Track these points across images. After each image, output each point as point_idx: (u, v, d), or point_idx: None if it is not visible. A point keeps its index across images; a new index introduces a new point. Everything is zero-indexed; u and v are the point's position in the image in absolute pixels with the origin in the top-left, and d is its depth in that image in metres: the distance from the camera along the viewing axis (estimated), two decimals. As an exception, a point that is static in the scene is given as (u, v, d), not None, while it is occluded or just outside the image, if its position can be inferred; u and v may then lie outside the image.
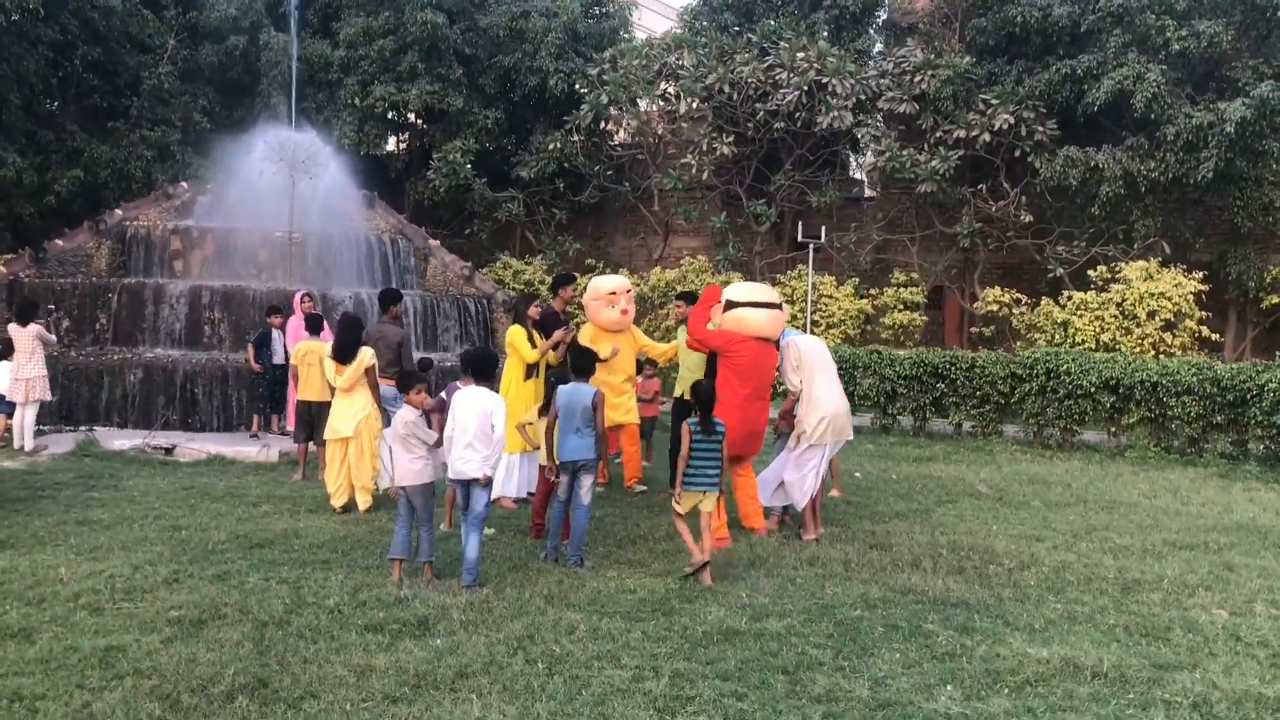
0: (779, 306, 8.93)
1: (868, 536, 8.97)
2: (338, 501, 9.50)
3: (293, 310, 13.74)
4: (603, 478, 7.94)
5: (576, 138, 23.46)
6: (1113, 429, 14.62)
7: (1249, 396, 13.29)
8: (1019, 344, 19.03)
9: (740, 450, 8.78)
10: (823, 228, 20.42)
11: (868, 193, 24.06)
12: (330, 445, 9.66)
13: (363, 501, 9.56)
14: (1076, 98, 19.45)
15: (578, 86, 23.93)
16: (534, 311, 10.33)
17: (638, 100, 22.74)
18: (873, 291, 20.90)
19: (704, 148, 21.58)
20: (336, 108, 24.15)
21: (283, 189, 16.91)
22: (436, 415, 8.12)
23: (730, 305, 8.90)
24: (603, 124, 23.91)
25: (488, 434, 7.55)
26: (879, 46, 23.68)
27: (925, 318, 20.99)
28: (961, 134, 19.90)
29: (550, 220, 24.66)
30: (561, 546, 7.97)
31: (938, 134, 20.30)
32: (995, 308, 19.43)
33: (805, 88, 20.67)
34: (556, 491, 8.08)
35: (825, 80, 20.59)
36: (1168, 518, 10.06)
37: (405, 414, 7.48)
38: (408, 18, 23.21)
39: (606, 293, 10.70)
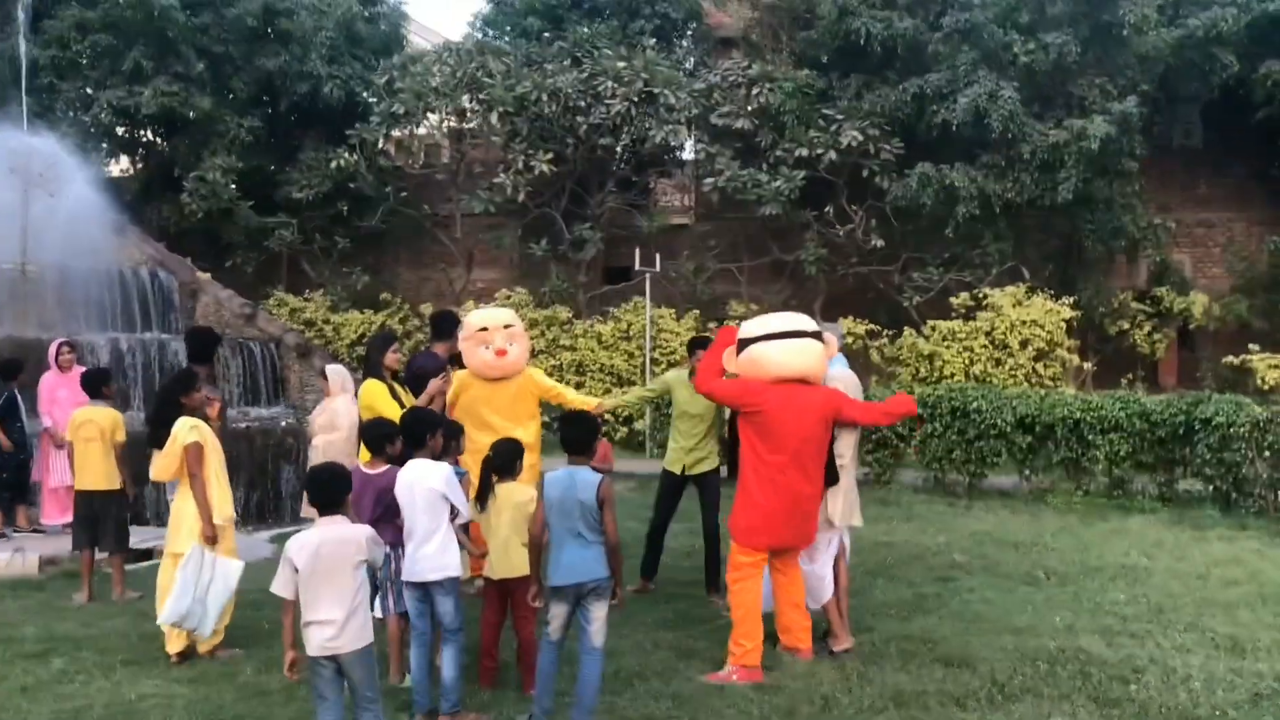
0: (815, 335, 6.61)
1: (907, 643, 6.77)
2: (174, 646, 6.44)
3: (47, 364, 10.37)
4: (617, 600, 5.36)
5: (361, 154, 20.38)
6: (1027, 472, 13.16)
7: (1182, 432, 12.08)
8: (874, 379, 17.51)
9: (782, 540, 6.42)
10: (656, 255, 18.31)
11: (683, 220, 22.18)
12: (165, 559, 6.65)
13: (204, 644, 6.57)
14: (919, 115, 18.27)
15: (363, 95, 20.94)
16: (392, 359, 7.64)
17: (436, 111, 20.04)
18: (711, 325, 18.94)
19: (520, 165, 19.07)
20: (54, 119, 20.11)
21: (10, 209, 13.27)
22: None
23: (744, 344, 6.53)
24: (394, 138, 20.99)
25: (443, 517, 5.53)
26: (691, 61, 21.96)
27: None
28: (804, 152, 18.29)
29: (331, 249, 21.44)
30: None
31: (777, 152, 18.63)
32: (850, 340, 17.85)
33: (634, 99, 18.59)
34: (546, 629, 5.44)
35: (656, 91, 18.57)
36: (1211, 586, 8.40)
37: (323, 534, 4.69)
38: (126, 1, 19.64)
39: (475, 329, 7.94)
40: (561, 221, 20.01)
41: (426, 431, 5.73)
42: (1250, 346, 15.95)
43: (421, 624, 5.62)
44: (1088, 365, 17.14)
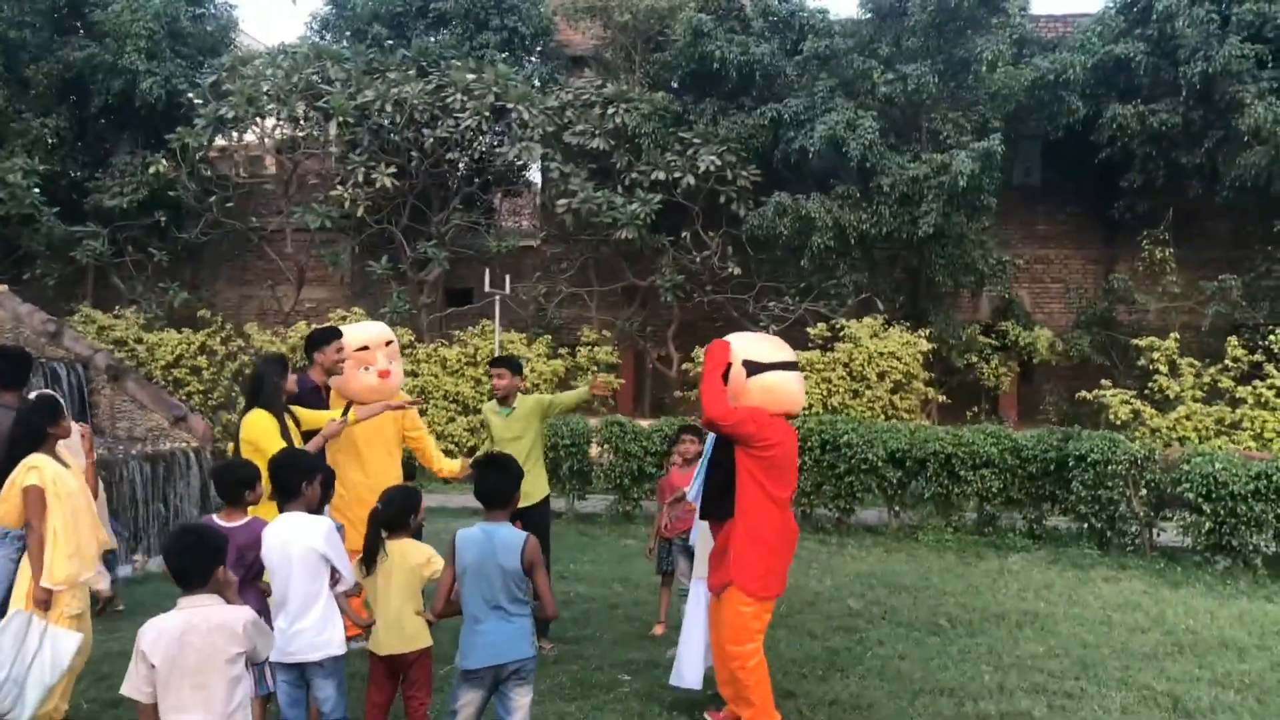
0: (797, 365, 5.92)
1: (839, 711, 6.12)
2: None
3: None
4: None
5: (182, 160, 18.78)
6: (896, 508, 12.80)
7: (1053, 469, 11.92)
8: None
9: (784, 586, 5.71)
10: (506, 277, 17.43)
11: (529, 242, 21.30)
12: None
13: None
14: (775, 143, 17.96)
15: (186, 96, 19.35)
16: (293, 384, 6.54)
17: (268, 118, 18.65)
18: (563, 351, 18.14)
19: (359, 178, 17.88)
20: None
21: None
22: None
23: (754, 369, 5.67)
24: (220, 145, 19.44)
25: (323, 582, 4.54)
26: (539, 79, 21.17)
27: (623, 380, 18.54)
28: (661, 176, 17.74)
29: (146, 263, 19.70)
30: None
31: (633, 175, 18.01)
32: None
33: (484, 114, 17.67)
34: (453, 704, 4.53)
35: (509, 107, 17.71)
36: (1121, 634, 8.05)
37: (188, 619, 3.69)
38: None
39: (356, 348, 6.97)
40: (402, 239, 18.88)
41: (302, 478, 4.74)
42: (1103, 382, 16.11)
43: (294, 713, 4.62)
44: (940, 398, 17.04)
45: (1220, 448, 13.37)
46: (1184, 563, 10.75)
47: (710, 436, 6.02)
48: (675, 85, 19.10)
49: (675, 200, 17.94)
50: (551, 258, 19.98)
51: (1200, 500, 10.46)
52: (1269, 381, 14.79)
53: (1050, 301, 20.99)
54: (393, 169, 18.06)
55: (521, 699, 4.42)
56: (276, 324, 19.65)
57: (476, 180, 19.64)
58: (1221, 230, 19.10)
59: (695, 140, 17.80)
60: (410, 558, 5.00)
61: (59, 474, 5.45)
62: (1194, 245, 19.02)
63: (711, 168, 17.43)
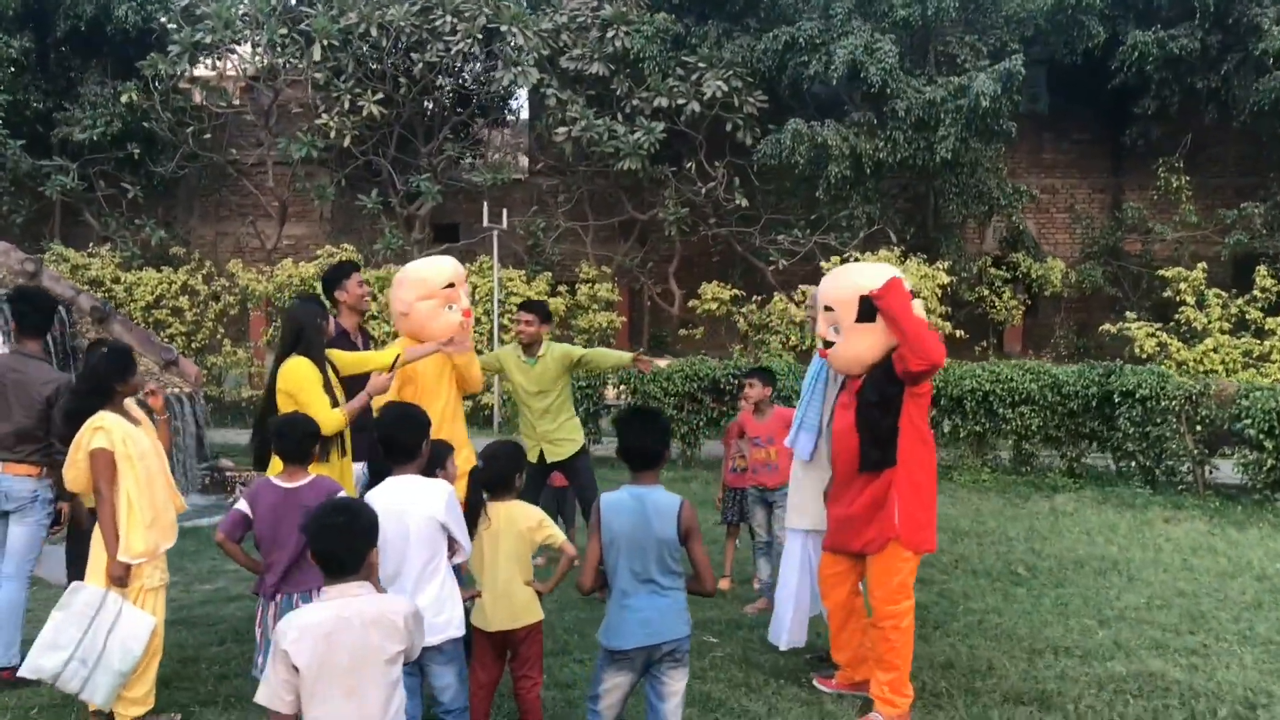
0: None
1: (956, 675, 5.61)
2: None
3: None
4: None
5: (156, 90, 17.76)
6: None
7: (1095, 405, 11.47)
8: (739, 348, 16.48)
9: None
10: (504, 211, 16.65)
11: (517, 175, 20.48)
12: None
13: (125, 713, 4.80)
14: (781, 68, 17.19)
15: (160, 21, 18.25)
16: (331, 329, 5.79)
17: (246, 43, 17.65)
18: (561, 288, 17.45)
19: (345, 106, 16.97)
20: None
21: None
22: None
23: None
24: (195, 72, 18.39)
25: (442, 555, 3.93)
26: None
27: (625, 319, 17.91)
28: (663, 103, 16.96)
29: (119, 198, 18.72)
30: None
31: (634, 102, 17.22)
32: (714, 306, 16.70)
33: (476, 36, 16.77)
34: (593, 707, 3.94)
35: (502, 29, 16.80)
36: (1211, 579, 7.59)
37: (337, 612, 3.07)
38: None
39: (442, 285, 6.09)
40: (391, 171, 18.02)
41: (420, 437, 4.10)
42: (1128, 314, 15.68)
43: (411, 706, 4.01)
44: (958, 332, 16.55)
45: (1248, 380, 13.02)
46: (1242, 502, 10.35)
47: (838, 379, 5.45)
48: (677, 4, 18.23)
49: (678, 129, 17.19)
50: (548, 190, 19.17)
51: (1262, 437, 10.04)
52: (1299, 312, 14.42)
53: (1056, 232, 20.51)
54: (379, 96, 17.15)
55: (676, 683, 3.85)
56: (258, 261, 18.80)
57: (462, 110, 18.80)
58: (1235, 157, 18.64)
59: (700, 65, 17.00)
60: (519, 521, 4.39)
61: (130, 433, 4.77)
62: (1208, 173, 18.58)
63: (718, 94, 16.67)
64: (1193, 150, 18.22)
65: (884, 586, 5.05)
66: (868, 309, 5.01)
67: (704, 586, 3.81)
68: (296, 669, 2.89)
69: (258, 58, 17.82)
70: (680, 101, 16.86)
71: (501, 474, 4.41)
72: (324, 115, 17.18)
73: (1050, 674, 5.62)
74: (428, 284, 6.07)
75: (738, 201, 17.37)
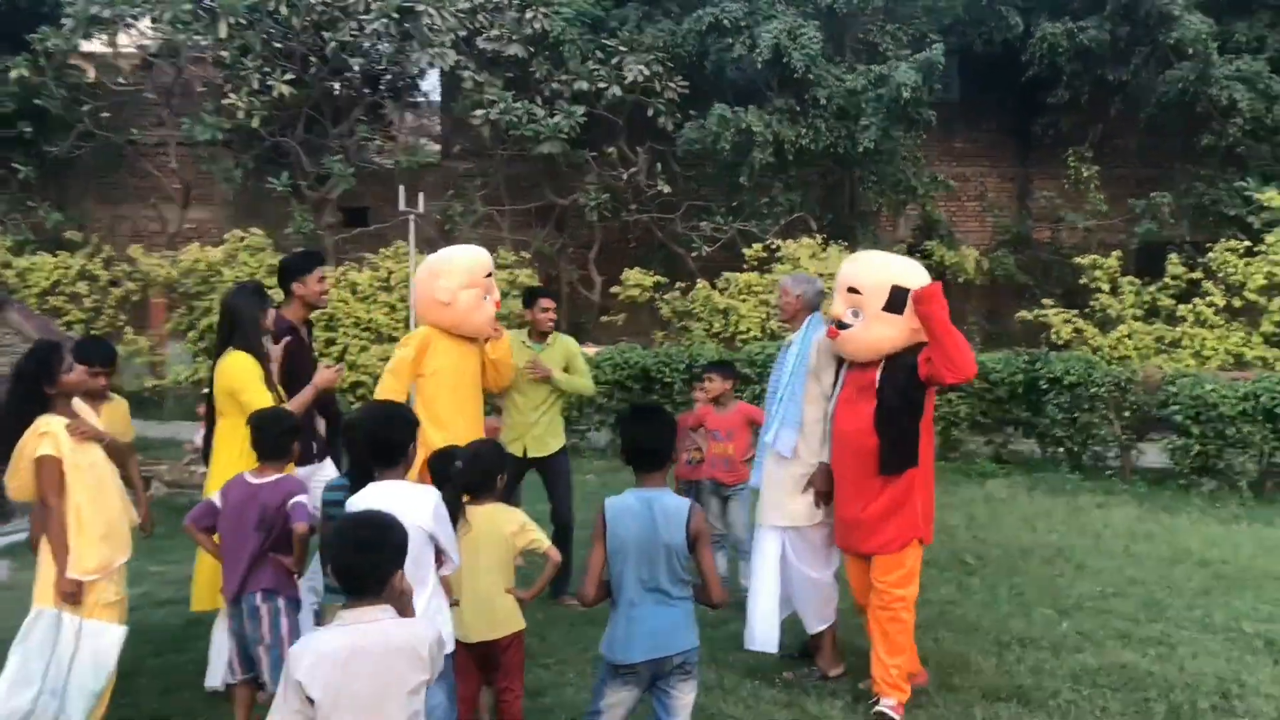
0: None
1: (932, 669, 5.54)
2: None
3: None
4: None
5: (48, 65, 16.88)
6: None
7: (1022, 391, 11.60)
8: (660, 334, 16.34)
9: None
10: (420, 195, 16.18)
11: (431, 159, 19.99)
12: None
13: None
14: (703, 53, 17.04)
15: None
16: (268, 321, 5.46)
17: (146, 18, 16.87)
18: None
19: (255, 85, 16.34)
20: None
21: None
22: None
23: (904, 293, 5.06)
24: (90, 46, 17.53)
25: (429, 566, 3.69)
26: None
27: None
28: (584, 86, 16.68)
29: (10, 179, 17.77)
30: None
31: (553, 85, 16.91)
32: (636, 293, 16.50)
33: (392, 15, 16.28)
34: (598, 703, 3.74)
35: (419, 9, 16.33)
36: (1156, 567, 7.67)
37: (355, 637, 2.82)
38: None
39: (484, 274, 5.94)
40: (302, 153, 17.43)
41: (408, 439, 3.83)
42: (1044, 301, 15.92)
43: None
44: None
45: (1160, 366, 13.33)
46: (1169, 486, 10.56)
47: (840, 371, 5.36)
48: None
49: (598, 113, 16.94)
50: (463, 174, 18.74)
51: (1189, 422, 10.24)
52: (1208, 299, 14.76)
53: (967, 220, 20.75)
54: (290, 76, 16.55)
55: (685, 696, 3.67)
56: (158, 245, 18.03)
57: (372, 91, 18.28)
58: (1142, 148, 19.04)
59: (620, 48, 16.76)
60: (501, 526, 4.17)
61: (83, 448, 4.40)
62: (1115, 163, 18.97)
63: (639, 77, 16.46)
64: (1101, 140, 18.58)
65: (895, 572, 5.06)
66: (898, 300, 4.93)
67: (711, 597, 3.62)
68: (312, 700, 2.63)
69: (159, 33, 17.04)
70: (601, 85, 16.61)
71: (483, 475, 4.18)
72: (231, 95, 16.51)
73: (1023, 668, 5.59)
74: (472, 272, 5.88)
75: (660, 187, 17.20)
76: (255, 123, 16.48)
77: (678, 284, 16.33)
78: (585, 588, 3.62)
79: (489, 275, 5.93)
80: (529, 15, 16.67)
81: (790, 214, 16.91)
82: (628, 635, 3.56)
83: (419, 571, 3.69)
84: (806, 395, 5.39)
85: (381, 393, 5.64)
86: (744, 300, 15.60)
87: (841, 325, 5.12)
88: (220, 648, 5.03)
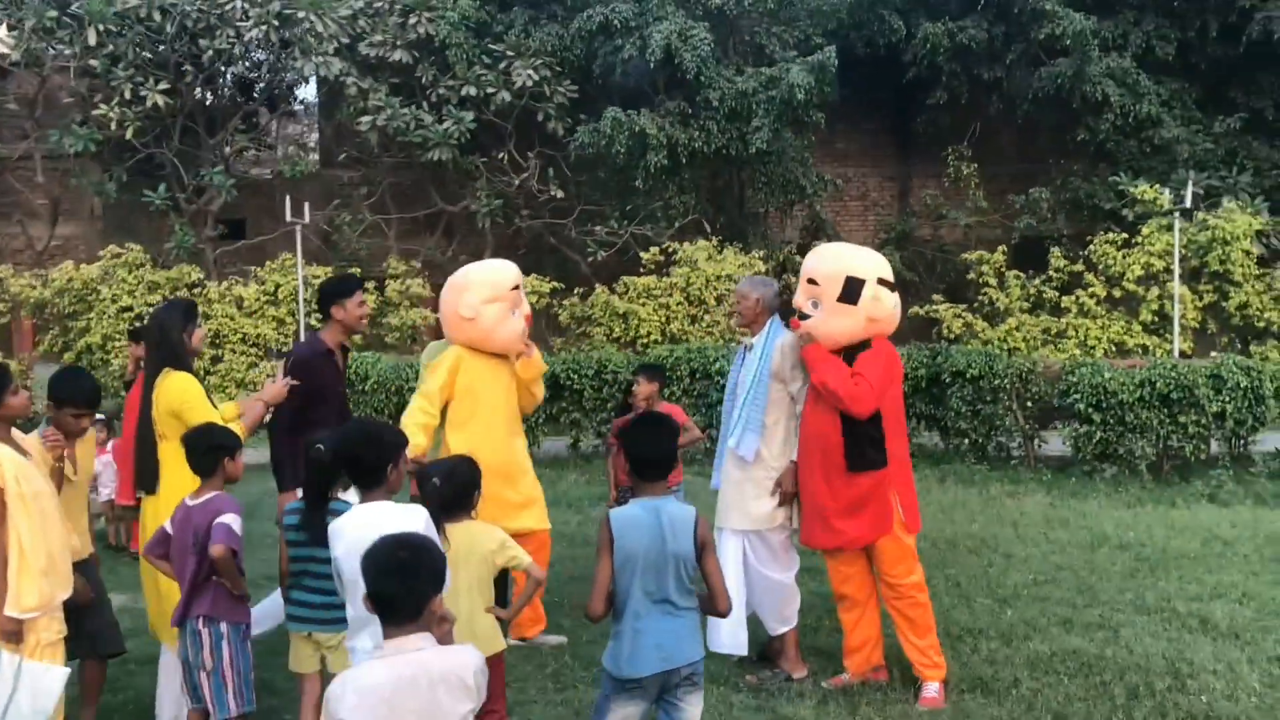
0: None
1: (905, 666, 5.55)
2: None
3: None
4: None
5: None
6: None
7: (924, 385, 11.81)
8: (558, 340, 16.20)
9: None
10: (306, 206, 15.76)
11: (311, 167, 19.47)
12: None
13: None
14: (590, 56, 16.97)
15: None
16: (199, 339, 5.18)
17: (1, 25, 16.03)
18: (369, 284, 16.64)
19: (127, 95, 15.67)
20: None
21: None
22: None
23: (857, 281, 5.14)
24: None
25: None
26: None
27: (437, 315, 17.25)
28: (472, 91, 16.45)
29: None
30: None
31: (440, 90, 16.63)
32: (534, 299, 16.28)
33: (272, 23, 15.79)
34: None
35: (300, 15, 15.87)
36: (1078, 552, 7.86)
37: (399, 669, 2.67)
38: None
39: (509, 287, 5.82)
40: (179, 165, 16.79)
41: (388, 458, 3.65)
42: (934, 297, 16.29)
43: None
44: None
45: (1047, 357, 13.77)
46: (1073, 473, 10.85)
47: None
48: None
49: (487, 119, 16.73)
50: (349, 183, 18.30)
51: (1090, 410, 10.55)
52: (1090, 290, 15.28)
53: (849, 220, 21.12)
54: (164, 85, 15.93)
55: (693, 708, 3.57)
56: (24, 264, 17.16)
57: (248, 100, 17.75)
58: (1018, 145, 19.64)
59: (508, 53, 16.58)
60: (481, 544, 4.02)
61: (21, 468, 4.05)
62: (993, 161, 19.52)
63: (528, 82, 16.31)
64: (980, 139, 19.10)
65: (901, 563, 5.19)
66: (853, 290, 5.03)
67: (718, 606, 3.53)
68: (359, 740, 2.46)
69: (20, 42, 16.21)
70: (489, 90, 16.42)
71: (459, 492, 4.02)
72: (102, 105, 15.80)
73: (978, 659, 5.64)
74: (496, 286, 5.76)
75: (552, 192, 17.07)
76: (129, 134, 15.80)
77: (576, 290, 16.21)
78: (593, 602, 3.48)
79: (515, 288, 5.82)
80: (412, 20, 16.38)
81: (685, 216, 16.96)
82: (634, 649, 3.45)
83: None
84: (769, 398, 5.34)
85: (410, 416, 5.53)
86: (643, 304, 15.57)
87: (803, 316, 5.17)
88: (166, 687, 4.77)
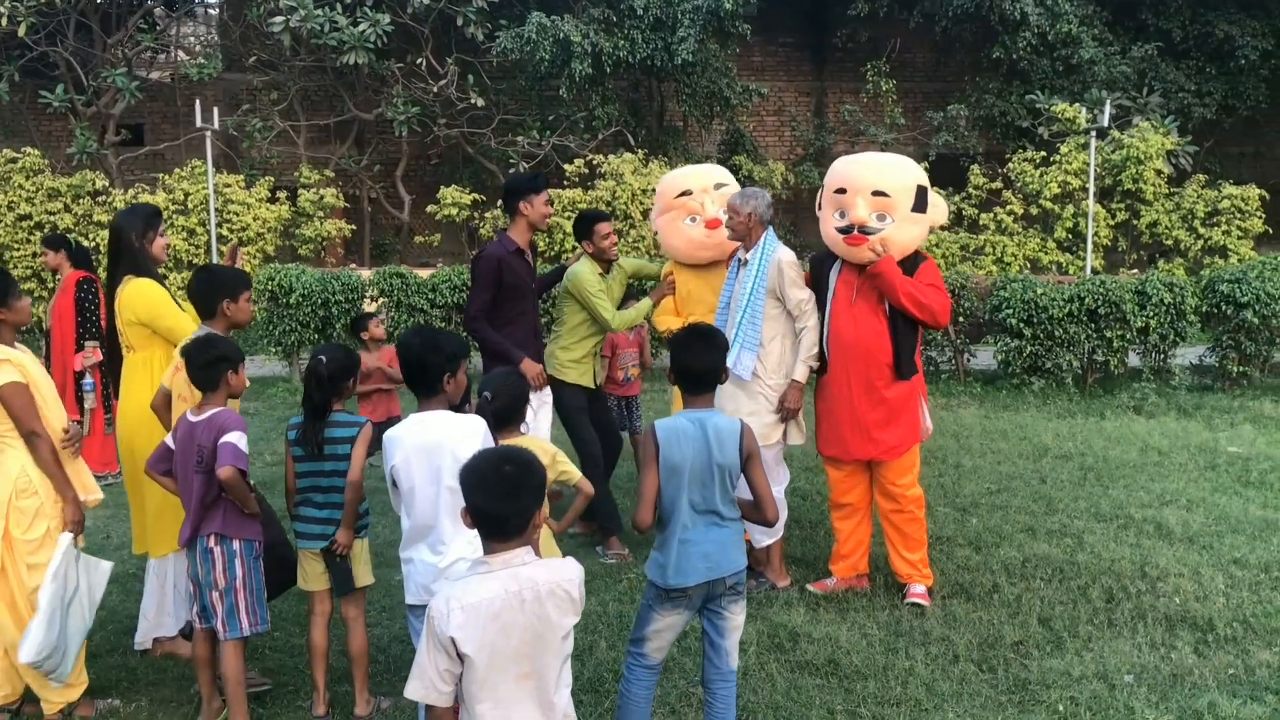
0: None
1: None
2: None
3: None
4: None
5: None
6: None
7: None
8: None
9: None
10: (215, 110, 15.07)
11: (209, 70, 18.59)
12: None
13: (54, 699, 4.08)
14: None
15: None
16: (160, 247, 4.94)
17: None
18: (281, 194, 16.10)
19: (17, -12, 14.73)
20: None
21: None
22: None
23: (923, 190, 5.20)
24: None
25: None
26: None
27: (354, 226, 16.83)
28: (388, -6, 15.87)
29: None
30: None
31: (354, -8, 16.01)
32: (454, 211, 15.95)
33: (174, -88, 14.95)
34: (636, 651, 3.59)
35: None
36: (1022, 457, 8.08)
37: (505, 583, 2.60)
38: None
39: (674, 195, 5.80)
40: (78, 66, 15.90)
41: (445, 366, 3.54)
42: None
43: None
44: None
45: (963, 272, 14.02)
46: (1002, 386, 11.11)
47: (830, 277, 5.40)
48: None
49: (403, 22, 16.16)
50: (259, 87, 17.57)
51: (1021, 325, 10.79)
52: (1008, 208, 15.55)
53: (766, 135, 21.09)
54: (56, -20, 15.02)
55: (737, 616, 3.56)
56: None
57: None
58: (935, 63, 19.75)
59: (426, -46, 15.99)
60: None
61: (35, 369, 4.00)
62: (911, 77, 19.62)
63: (447, -15, 15.78)
64: (898, 55, 19.14)
65: (906, 475, 5.27)
66: (923, 199, 5.13)
67: (765, 515, 3.51)
68: (465, 656, 2.38)
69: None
70: (407, -7, 15.85)
71: (510, 406, 3.94)
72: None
73: (954, 565, 5.77)
74: (663, 195, 5.93)
75: (472, 100, 16.63)
76: (21, 30, 14.87)
77: (498, 203, 15.89)
78: (641, 513, 3.43)
79: (685, 194, 5.79)
80: (320, -84, 15.65)
81: (608, 128, 16.70)
82: (680, 559, 3.42)
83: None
84: (765, 314, 5.30)
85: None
86: (568, 218, 15.34)
87: (865, 230, 5.06)
88: (152, 602, 4.64)
